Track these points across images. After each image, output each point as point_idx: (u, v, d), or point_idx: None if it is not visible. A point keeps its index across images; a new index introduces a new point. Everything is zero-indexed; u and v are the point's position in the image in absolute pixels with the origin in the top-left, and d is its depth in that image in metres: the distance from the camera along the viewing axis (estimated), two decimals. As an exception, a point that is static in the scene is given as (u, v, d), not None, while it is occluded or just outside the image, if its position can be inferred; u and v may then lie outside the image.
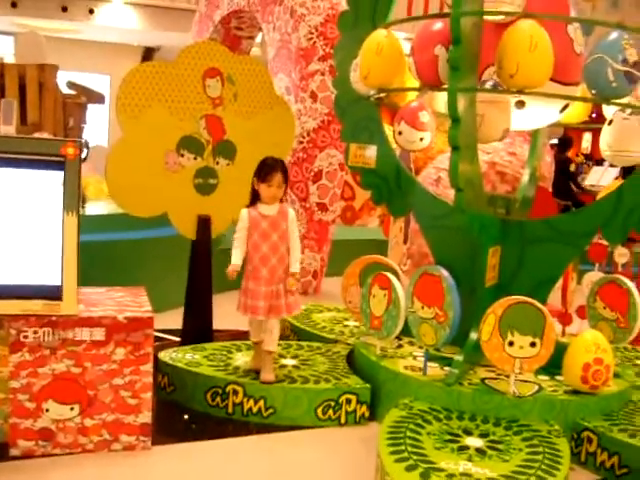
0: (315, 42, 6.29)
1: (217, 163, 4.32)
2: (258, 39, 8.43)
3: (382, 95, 4.03)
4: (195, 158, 4.24)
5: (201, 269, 4.37)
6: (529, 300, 3.31)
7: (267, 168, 3.61)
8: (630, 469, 3.13)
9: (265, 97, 4.51)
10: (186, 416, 3.55)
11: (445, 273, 3.36)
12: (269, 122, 4.49)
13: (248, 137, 4.40)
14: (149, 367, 3.10)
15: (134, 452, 3.08)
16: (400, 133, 3.87)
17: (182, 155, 4.18)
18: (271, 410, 3.50)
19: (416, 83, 3.81)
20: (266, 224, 3.60)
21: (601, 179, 10.27)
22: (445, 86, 3.43)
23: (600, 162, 11.27)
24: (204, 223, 4.30)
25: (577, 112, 4.25)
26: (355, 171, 4.31)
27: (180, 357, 3.80)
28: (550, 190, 6.58)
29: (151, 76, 4.09)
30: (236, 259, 3.57)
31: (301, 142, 6.31)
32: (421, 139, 3.86)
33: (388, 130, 4.26)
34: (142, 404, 3.10)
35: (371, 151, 4.08)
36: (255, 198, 3.69)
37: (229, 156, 4.36)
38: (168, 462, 3.06)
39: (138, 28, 17.01)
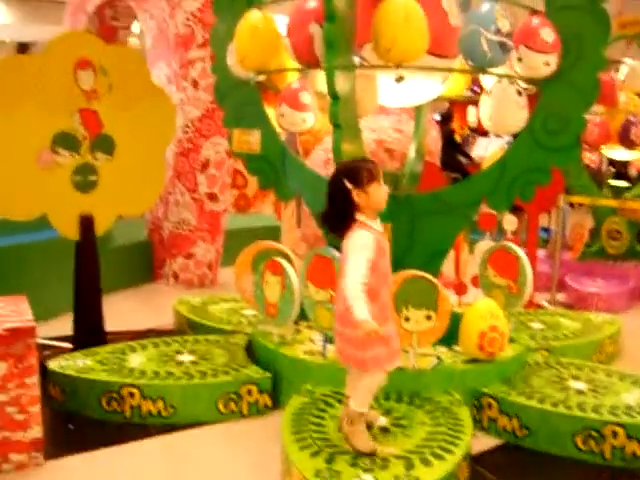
0: (193, 29, 6.12)
1: (96, 159, 4.14)
2: (136, 29, 8.16)
3: (262, 78, 3.94)
4: (72, 155, 4.04)
5: (88, 270, 4.18)
6: (421, 274, 3.32)
7: (367, 167, 2.68)
8: (530, 430, 3.20)
9: (142, 87, 4.35)
10: (71, 425, 3.38)
11: (337, 254, 3.32)
12: (148, 113, 4.34)
13: (127, 129, 4.23)
14: (35, 379, 2.93)
15: (26, 471, 2.91)
16: (282, 115, 3.82)
17: (57, 152, 3.98)
18: (171, 410, 3.39)
19: (295, 64, 3.74)
20: (385, 243, 2.72)
21: (487, 150, 10.51)
22: (322, 64, 3.37)
23: (487, 134, 11.54)
24: (87, 222, 4.12)
25: (458, 85, 4.30)
26: (240, 157, 4.21)
27: (71, 364, 3.62)
28: (438, 164, 6.67)
29: (18, 71, 3.86)
30: (365, 313, 2.49)
31: (186, 132, 6.15)
32: (303, 120, 3.82)
33: (272, 113, 4.19)
34: (31, 419, 2.92)
35: (255, 136, 3.99)
36: (346, 216, 2.69)
37: (108, 150, 4.18)
38: (64, 476, 2.91)
39: (8, 22, 16.19)
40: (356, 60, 3.45)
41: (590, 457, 3.09)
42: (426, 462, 2.60)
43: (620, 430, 3.04)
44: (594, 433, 3.08)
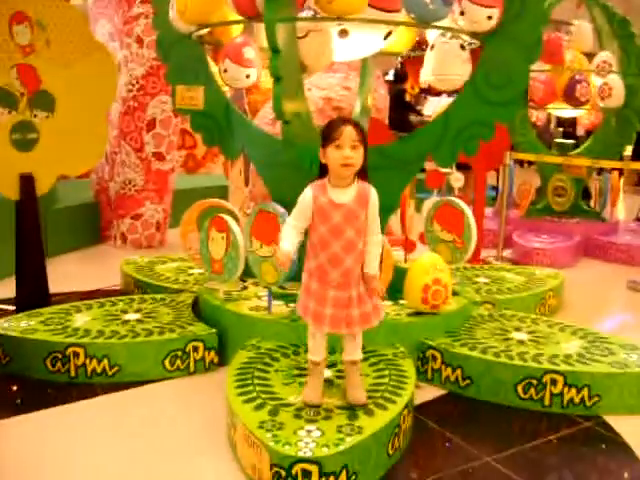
0: (136, -16, 5.97)
1: (35, 116, 4.05)
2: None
3: (204, 32, 3.87)
4: (9, 112, 3.96)
5: (29, 231, 4.10)
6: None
7: (331, 125, 2.59)
8: (472, 380, 3.26)
9: (82, 43, 4.25)
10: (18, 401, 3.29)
11: (280, 209, 3.31)
12: (89, 69, 4.25)
13: (67, 86, 4.15)
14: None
15: (-32, 433, 2.88)
16: (225, 71, 3.76)
17: (-7, 109, 3.88)
18: (116, 368, 3.37)
19: (237, 17, 3.67)
20: (339, 216, 2.59)
21: (437, 109, 10.55)
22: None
23: (439, 94, 11.54)
24: (27, 181, 4.04)
25: (403, 40, 4.27)
26: (183, 113, 4.14)
27: (14, 325, 3.56)
28: (386, 121, 6.67)
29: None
30: (287, 245, 2.61)
31: (130, 90, 6.03)
32: (247, 76, 3.77)
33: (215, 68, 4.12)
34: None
35: (198, 92, 3.93)
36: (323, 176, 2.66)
37: (48, 107, 4.09)
38: (11, 435, 2.87)
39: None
40: (307, 13, 3.41)
41: (530, 404, 3.17)
42: (369, 412, 2.64)
43: (559, 378, 3.12)
44: (534, 381, 3.15)
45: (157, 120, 6.12)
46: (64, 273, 5.15)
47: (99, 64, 4.31)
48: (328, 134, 2.56)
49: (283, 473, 2.33)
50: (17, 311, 3.97)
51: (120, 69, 5.86)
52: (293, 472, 2.32)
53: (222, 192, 6.00)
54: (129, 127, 6.10)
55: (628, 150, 9.24)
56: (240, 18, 3.53)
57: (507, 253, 6.25)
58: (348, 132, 2.53)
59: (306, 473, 2.31)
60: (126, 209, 6.23)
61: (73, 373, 3.36)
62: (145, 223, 6.29)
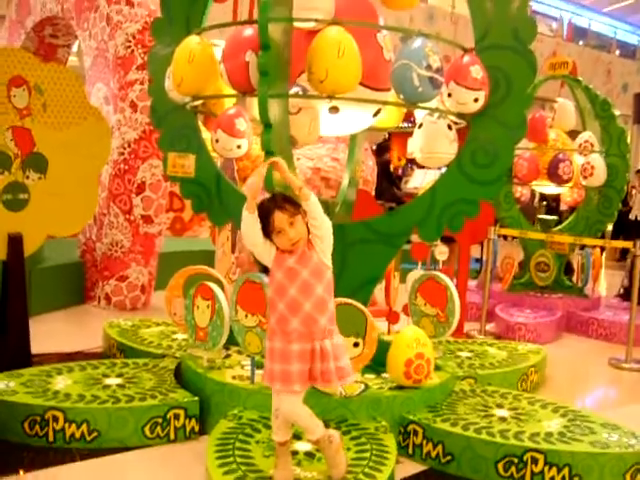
0: (133, 50, 6.12)
1: (27, 177, 4.09)
2: (75, 48, 8.09)
3: (198, 103, 3.97)
4: (2, 173, 3.99)
5: (15, 291, 4.09)
6: (349, 301, 3.37)
7: (263, 217, 2.61)
8: (453, 456, 3.26)
9: (77, 107, 4.33)
10: None
11: (266, 280, 3.34)
12: (83, 133, 4.33)
13: (60, 149, 4.21)
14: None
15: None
16: (217, 141, 3.83)
17: (-14, 170, 3.92)
18: (95, 434, 3.33)
19: (231, 90, 3.78)
20: (293, 260, 2.64)
21: (423, 181, 10.73)
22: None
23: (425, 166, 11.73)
24: (15, 241, 4.05)
25: (391, 117, 4.39)
26: (174, 181, 4.21)
27: (-7, 386, 3.54)
28: (373, 193, 6.79)
29: (-51, 86, 3.82)
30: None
31: (122, 153, 6.12)
32: (238, 146, 3.84)
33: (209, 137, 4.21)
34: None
35: (190, 160, 4.00)
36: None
37: (40, 169, 4.14)
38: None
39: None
40: (298, 89, 3.51)
41: (511, 483, 3.16)
42: (349, 487, 2.63)
43: (540, 456, 3.12)
44: (515, 459, 3.15)
45: (147, 184, 6.20)
46: (46, 332, 5.13)
47: (93, 129, 4.39)
48: (265, 227, 2.61)
49: None
50: (-2, 372, 3.94)
51: (113, 132, 5.94)
52: None
53: (208, 256, 6.04)
54: (119, 189, 6.16)
55: (610, 226, 9.42)
56: (233, 92, 3.64)
57: (490, 327, 6.28)
58: (279, 218, 2.57)
59: None
60: (112, 270, 6.25)
61: (51, 437, 3.31)
62: (130, 285, 6.29)
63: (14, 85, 3.99)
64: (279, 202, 2.60)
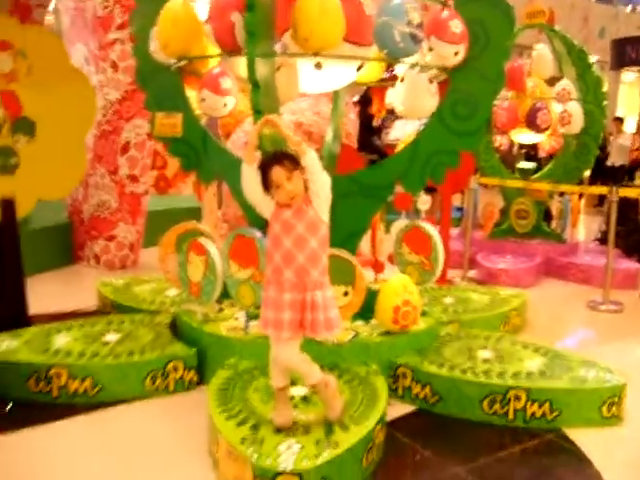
0: (112, 10, 6.10)
1: (16, 141, 4.15)
2: (51, 7, 8.01)
3: (183, 63, 4.02)
4: (-9, 137, 4.05)
5: (10, 253, 4.19)
6: (339, 252, 3.49)
7: (263, 172, 2.73)
8: (440, 396, 3.43)
9: (61, 69, 4.37)
10: (9, 406, 3.41)
11: (258, 234, 3.46)
12: (68, 95, 4.36)
13: (47, 112, 4.26)
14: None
15: (-45, 449, 2.96)
16: (203, 100, 3.91)
17: (-23, 135, 3.98)
18: (98, 388, 3.47)
19: (216, 50, 3.83)
20: (289, 213, 2.73)
21: (403, 132, 10.80)
22: (243, 52, 3.48)
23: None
24: (8, 205, 4.14)
25: (373, 71, 4.46)
26: (162, 140, 4.28)
27: (-4, 346, 3.66)
28: (355, 146, 6.87)
29: None
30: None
31: (105, 114, 6.15)
32: (224, 105, 3.92)
33: (194, 96, 4.27)
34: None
35: (177, 119, 4.07)
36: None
37: (29, 133, 4.20)
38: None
39: None
40: (279, 46, 3.57)
41: (495, 419, 3.34)
42: (344, 427, 2.79)
43: (522, 393, 3.31)
44: (498, 397, 3.33)
45: (131, 143, 6.25)
46: (39, 293, 5.20)
47: (78, 90, 4.43)
48: (265, 181, 2.72)
49: (265, 485, 2.47)
50: (-3, 332, 4.05)
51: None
52: (275, 484, 2.46)
53: (193, 212, 6.10)
54: (104, 150, 6.21)
55: (587, 173, 9.56)
56: (219, 51, 3.70)
57: (472, 274, 6.45)
58: (277, 173, 2.68)
59: (287, 485, 2.45)
60: (100, 230, 6.33)
61: (55, 393, 3.45)
62: (118, 244, 6.39)
63: (-1, 50, 4.03)
64: (278, 157, 2.71)
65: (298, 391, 3.12)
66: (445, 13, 3.59)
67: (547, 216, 7.65)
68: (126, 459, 2.95)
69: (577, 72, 7.04)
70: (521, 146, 9.10)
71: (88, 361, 3.50)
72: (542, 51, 7.23)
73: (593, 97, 7.00)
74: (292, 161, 2.70)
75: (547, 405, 3.31)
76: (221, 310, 4.04)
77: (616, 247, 6.22)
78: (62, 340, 3.78)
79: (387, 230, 4.87)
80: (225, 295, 3.79)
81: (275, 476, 2.46)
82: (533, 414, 3.32)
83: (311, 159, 2.68)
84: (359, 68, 4.02)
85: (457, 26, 3.56)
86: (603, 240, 7.58)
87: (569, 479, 2.95)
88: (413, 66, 3.71)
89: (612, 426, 3.37)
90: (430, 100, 3.77)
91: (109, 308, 4.73)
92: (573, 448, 3.17)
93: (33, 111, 4.20)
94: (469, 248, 6.34)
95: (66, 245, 6.51)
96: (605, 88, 7.23)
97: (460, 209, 9.01)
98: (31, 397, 3.46)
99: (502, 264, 6.44)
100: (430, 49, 3.59)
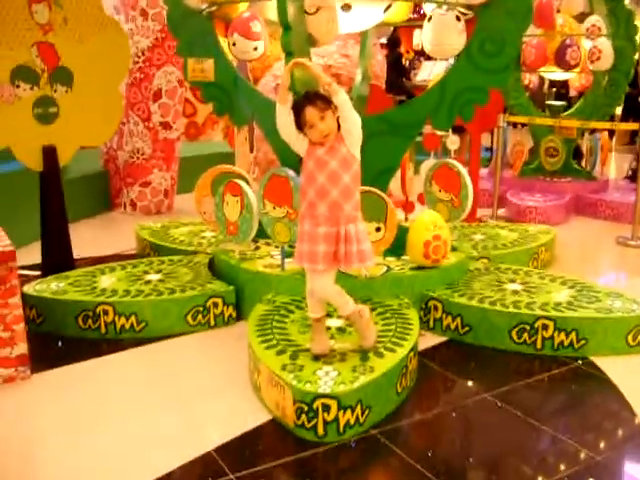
0: (141, -43, 6.15)
1: (55, 91, 4.28)
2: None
3: (213, 8, 4.09)
4: (32, 88, 4.18)
5: (53, 200, 4.35)
6: (370, 189, 3.60)
7: (296, 112, 2.82)
8: (471, 327, 3.57)
9: (96, 19, 4.46)
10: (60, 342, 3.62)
11: (292, 173, 3.57)
12: (103, 45, 4.47)
13: (83, 61, 4.37)
14: (17, 299, 3.12)
15: (15, 383, 3.14)
16: (234, 44, 3.99)
17: (17, 86, 4.11)
18: (143, 324, 3.65)
19: (245, -6, 3.91)
20: (322, 151, 2.82)
21: (431, 73, 10.76)
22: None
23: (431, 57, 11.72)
24: (50, 153, 4.28)
25: (400, 11, 4.49)
26: (195, 86, 4.38)
27: (45, 288, 3.84)
28: (384, 87, 6.90)
29: (-28, 6, 3.95)
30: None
31: (136, 62, 6.25)
32: (255, 49, 4.00)
33: (223, 42, 4.35)
34: (16, 336, 3.13)
35: (209, 64, 4.16)
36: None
37: (67, 82, 4.32)
38: (50, 386, 3.15)
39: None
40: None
41: (524, 348, 3.47)
42: (379, 354, 2.93)
43: (550, 323, 3.42)
44: (527, 327, 3.45)
45: (163, 90, 6.35)
46: (80, 239, 5.38)
47: (112, 39, 4.52)
48: (298, 121, 2.82)
49: (305, 408, 2.62)
50: (44, 275, 4.23)
51: (127, 42, 6.05)
52: (314, 407, 2.61)
53: (224, 158, 6.22)
54: (136, 98, 6.33)
55: (618, 110, 9.48)
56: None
57: (502, 212, 6.52)
58: (310, 113, 2.76)
59: (326, 407, 2.60)
60: (135, 177, 6.49)
61: (103, 330, 3.64)
62: (153, 190, 6.54)
63: (35, 1, 4.11)
64: (310, 98, 2.80)
65: (334, 322, 3.27)
66: (472, -50, 3.61)
67: (577, 154, 7.65)
68: (172, 388, 3.12)
69: (607, 7, 6.95)
70: (551, 84, 9.03)
71: (132, 298, 3.68)
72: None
73: (624, 32, 6.92)
74: (324, 101, 2.78)
75: (574, 334, 3.42)
76: (257, 248, 4.19)
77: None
78: (107, 280, 3.96)
79: (416, 170, 4.96)
80: (261, 234, 3.92)
81: (314, 399, 2.61)
82: (561, 343, 3.43)
83: (342, 98, 2.77)
84: (387, 9, 4.06)
85: (484, -37, 3.58)
86: (633, 178, 7.57)
87: (596, 403, 3.07)
88: (440, 4, 3.74)
89: (638, 354, 3.48)
90: (458, 38, 3.80)
91: (148, 250, 4.90)
92: (600, 374, 3.28)
93: (70, 61, 4.31)
94: (498, 187, 6.40)
95: (103, 192, 6.68)
96: (637, 22, 7.14)
97: (489, 149, 9.03)
98: (81, 334, 3.65)
99: (531, 202, 6.50)
100: (457, -13, 3.63)
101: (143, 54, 6.24)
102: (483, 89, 3.86)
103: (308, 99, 2.80)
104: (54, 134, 4.29)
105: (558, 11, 7.02)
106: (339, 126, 2.81)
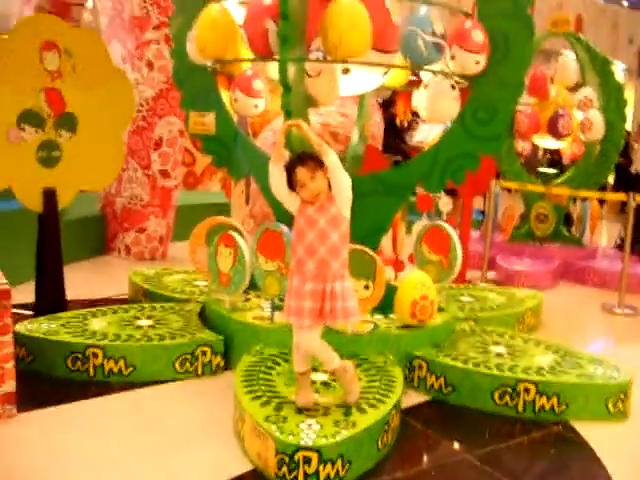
0: (149, 11, 6.34)
1: (60, 136, 4.40)
2: (89, 4, 8.28)
3: (218, 65, 4.24)
4: (37, 131, 4.29)
5: (50, 241, 4.43)
6: (361, 248, 3.69)
7: (288, 172, 2.94)
8: (454, 387, 3.62)
9: (103, 69, 4.61)
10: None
11: (285, 229, 3.67)
12: (108, 93, 4.60)
13: (89, 108, 4.50)
14: (9, 337, 3.15)
15: (1, 420, 3.16)
16: (236, 100, 4.13)
17: (23, 129, 4.22)
18: (131, 368, 3.69)
19: (249, 53, 4.04)
20: (312, 209, 2.93)
21: (429, 135, 10.96)
22: (276, 57, 3.69)
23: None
24: (50, 195, 4.38)
25: (398, 76, 4.66)
26: (196, 138, 4.50)
27: (36, 327, 3.88)
28: (380, 147, 7.05)
29: (-14, 51, 4.09)
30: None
31: (140, 111, 6.39)
32: (256, 106, 4.14)
33: (226, 96, 4.49)
34: (5, 374, 3.15)
35: (210, 118, 4.29)
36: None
37: (71, 128, 4.44)
38: (35, 426, 3.17)
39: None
40: (319, 54, 3.77)
41: (505, 410, 3.52)
42: (362, 410, 2.98)
43: (531, 387, 3.48)
44: (509, 389, 3.51)
45: (164, 140, 6.49)
46: (73, 281, 5.43)
47: (118, 88, 4.68)
48: (290, 180, 2.94)
49: (287, 459, 2.66)
50: (36, 315, 4.28)
51: (132, 91, 6.21)
52: (295, 458, 2.65)
53: (220, 208, 6.32)
54: (137, 145, 6.46)
55: (611, 179, 9.67)
56: (252, 55, 3.91)
57: (491, 275, 6.61)
58: (301, 173, 2.88)
59: (307, 459, 2.65)
60: (131, 222, 6.58)
61: (92, 372, 3.68)
62: (149, 236, 6.63)
63: (46, 49, 4.26)
64: (302, 158, 2.92)
65: (319, 376, 3.32)
66: (468, 23, 3.77)
67: (568, 221, 7.78)
68: (157, 435, 3.15)
69: (599, 80, 7.16)
70: (546, 151, 9.24)
71: (122, 343, 3.73)
72: (566, 59, 7.37)
73: (615, 105, 7.12)
74: (315, 162, 2.90)
75: (555, 399, 3.48)
76: (248, 300, 4.26)
77: (633, 253, 6.35)
78: (98, 324, 4.01)
79: (408, 231, 5.06)
80: (252, 286, 4.00)
81: (296, 451, 2.65)
82: (542, 407, 3.49)
83: (332, 160, 2.88)
84: (386, 73, 4.21)
85: (479, 36, 3.74)
86: (622, 246, 7.69)
87: (574, 467, 3.12)
88: (436, 73, 3.89)
89: (618, 421, 3.53)
90: (452, 106, 3.95)
91: (140, 296, 4.96)
92: (579, 439, 3.33)
93: (76, 108, 4.44)
94: (489, 250, 6.50)
95: (98, 236, 6.76)
96: (627, 95, 7.35)
97: (481, 212, 9.17)
98: (69, 375, 3.68)
99: (521, 266, 6.60)
100: (452, 57, 3.77)
101: (147, 103, 6.40)
102: (475, 156, 3.98)
103: (300, 159, 2.92)
104: (55, 177, 4.40)
105: (552, 81, 7.23)
106: (330, 186, 2.91)
